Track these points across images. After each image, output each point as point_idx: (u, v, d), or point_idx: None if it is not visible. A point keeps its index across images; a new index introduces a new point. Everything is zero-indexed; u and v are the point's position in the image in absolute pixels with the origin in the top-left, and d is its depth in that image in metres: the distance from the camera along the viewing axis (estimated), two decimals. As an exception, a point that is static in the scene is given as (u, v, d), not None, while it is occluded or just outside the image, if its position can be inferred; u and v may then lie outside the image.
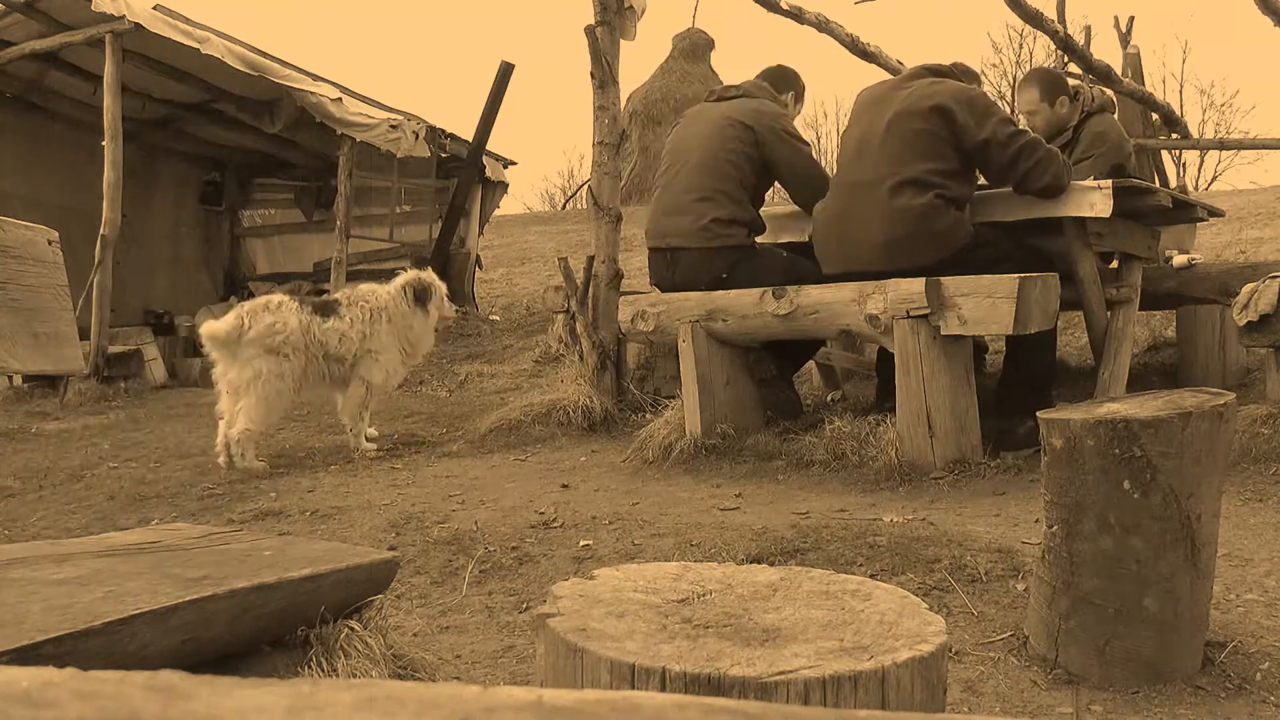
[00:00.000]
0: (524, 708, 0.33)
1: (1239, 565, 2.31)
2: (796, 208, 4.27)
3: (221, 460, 4.09)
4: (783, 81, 4.39)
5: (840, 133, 4.27)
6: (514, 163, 9.34)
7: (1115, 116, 4.82)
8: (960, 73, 3.80)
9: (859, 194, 3.61)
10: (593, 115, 4.77)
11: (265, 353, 4.05)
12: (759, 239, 4.17)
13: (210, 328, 4.11)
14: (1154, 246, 4.07)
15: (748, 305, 3.80)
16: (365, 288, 4.53)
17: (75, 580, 1.35)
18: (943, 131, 3.51)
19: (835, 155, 3.93)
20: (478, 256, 9.17)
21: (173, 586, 1.35)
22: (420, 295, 4.42)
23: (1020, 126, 3.67)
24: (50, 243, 1.62)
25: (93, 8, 6.33)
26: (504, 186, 9.27)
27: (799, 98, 4.46)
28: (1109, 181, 3.49)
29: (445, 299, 4.55)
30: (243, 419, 4.05)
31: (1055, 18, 7.27)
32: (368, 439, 4.45)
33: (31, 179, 8.06)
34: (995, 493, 3.08)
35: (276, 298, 4.31)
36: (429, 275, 4.54)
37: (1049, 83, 4.60)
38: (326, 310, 4.32)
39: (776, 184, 4.36)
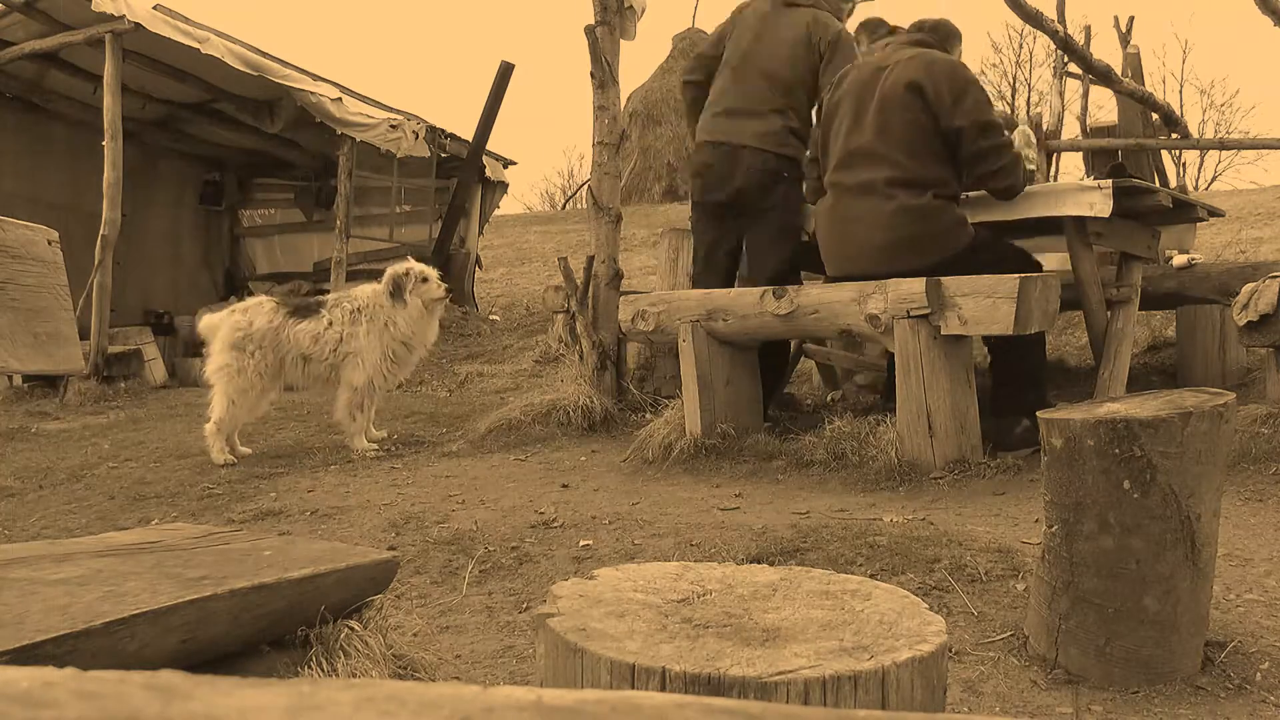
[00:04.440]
0: (524, 708, 0.33)
1: (1239, 565, 2.31)
2: None
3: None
4: None
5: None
6: (514, 163, 9.35)
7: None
8: (945, 35, 3.74)
9: (856, 196, 3.58)
10: (593, 115, 4.77)
11: (229, 348, 4.24)
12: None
13: (203, 320, 4.40)
14: (1154, 246, 4.07)
15: (748, 305, 3.80)
16: (358, 288, 4.53)
17: (75, 580, 1.35)
18: (921, 116, 3.45)
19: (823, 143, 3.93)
20: (478, 256, 9.17)
21: (173, 586, 1.35)
22: (396, 287, 4.35)
23: (993, 116, 3.58)
24: (50, 243, 1.62)
25: (93, 8, 6.33)
26: (504, 186, 9.28)
27: (851, 12, 4.56)
28: (1109, 181, 3.49)
29: (426, 281, 4.37)
30: (212, 411, 4.28)
31: (1055, 18, 7.27)
32: (370, 440, 4.45)
33: (32, 179, 8.06)
34: (995, 493, 3.08)
35: (258, 299, 4.45)
36: (405, 264, 4.44)
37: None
38: (305, 311, 4.37)
39: None
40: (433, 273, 4.45)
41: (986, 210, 3.69)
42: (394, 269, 4.42)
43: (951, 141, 3.48)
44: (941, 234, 3.46)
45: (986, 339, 3.55)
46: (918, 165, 3.46)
